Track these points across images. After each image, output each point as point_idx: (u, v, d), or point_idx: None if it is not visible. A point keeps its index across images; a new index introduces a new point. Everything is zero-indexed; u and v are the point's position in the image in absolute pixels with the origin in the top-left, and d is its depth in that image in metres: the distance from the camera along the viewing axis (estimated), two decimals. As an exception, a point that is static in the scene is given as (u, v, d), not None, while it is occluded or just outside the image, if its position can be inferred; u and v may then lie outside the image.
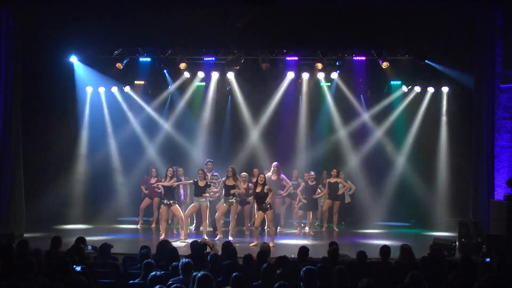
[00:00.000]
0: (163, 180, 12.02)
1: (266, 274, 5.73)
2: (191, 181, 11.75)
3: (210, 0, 11.35)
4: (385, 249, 7.27)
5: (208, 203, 11.62)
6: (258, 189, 10.96)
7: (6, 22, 11.21)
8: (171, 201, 11.59)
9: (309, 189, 12.72)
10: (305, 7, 11.88)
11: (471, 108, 12.20)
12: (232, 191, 11.47)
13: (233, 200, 11.55)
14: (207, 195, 11.57)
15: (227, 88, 14.63)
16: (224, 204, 11.63)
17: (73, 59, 13.26)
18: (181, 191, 12.78)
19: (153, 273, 5.71)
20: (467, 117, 12.59)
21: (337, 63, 13.38)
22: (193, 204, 11.63)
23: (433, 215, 13.73)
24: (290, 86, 14.45)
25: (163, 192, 11.77)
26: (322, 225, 13.45)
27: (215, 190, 11.95)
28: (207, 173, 12.11)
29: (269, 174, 12.48)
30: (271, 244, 10.07)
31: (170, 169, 11.79)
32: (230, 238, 11.24)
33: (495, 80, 11.51)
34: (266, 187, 10.90)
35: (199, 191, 11.49)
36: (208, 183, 11.66)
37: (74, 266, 6.08)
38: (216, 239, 11.32)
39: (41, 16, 12.10)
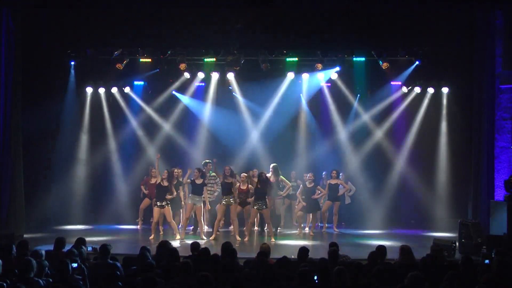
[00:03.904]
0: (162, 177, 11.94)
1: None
2: (189, 180, 11.77)
3: (210, 0, 11.35)
4: (381, 249, 7.28)
5: (202, 203, 11.64)
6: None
7: (6, 22, 11.21)
8: (163, 203, 11.59)
9: (307, 190, 12.68)
10: (305, 7, 11.89)
11: (471, 109, 12.20)
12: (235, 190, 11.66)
13: (231, 199, 11.59)
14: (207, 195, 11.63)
15: (229, 88, 14.61)
16: (223, 202, 11.66)
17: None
18: (181, 192, 12.75)
19: None
20: (467, 117, 12.58)
21: (337, 64, 13.38)
22: (188, 202, 11.68)
23: (433, 216, 13.71)
24: (290, 87, 14.44)
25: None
26: (322, 226, 13.43)
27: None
28: (206, 174, 12.13)
29: (268, 174, 12.47)
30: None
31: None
32: (237, 238, 11.46)
33: (495, 81, 11.53)
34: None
35: (196, 189, 11.54)
36: (205, 182, 11.70)
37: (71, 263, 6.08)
38: (211, 238, 11.45)
39: (41, 17, 12.09)
